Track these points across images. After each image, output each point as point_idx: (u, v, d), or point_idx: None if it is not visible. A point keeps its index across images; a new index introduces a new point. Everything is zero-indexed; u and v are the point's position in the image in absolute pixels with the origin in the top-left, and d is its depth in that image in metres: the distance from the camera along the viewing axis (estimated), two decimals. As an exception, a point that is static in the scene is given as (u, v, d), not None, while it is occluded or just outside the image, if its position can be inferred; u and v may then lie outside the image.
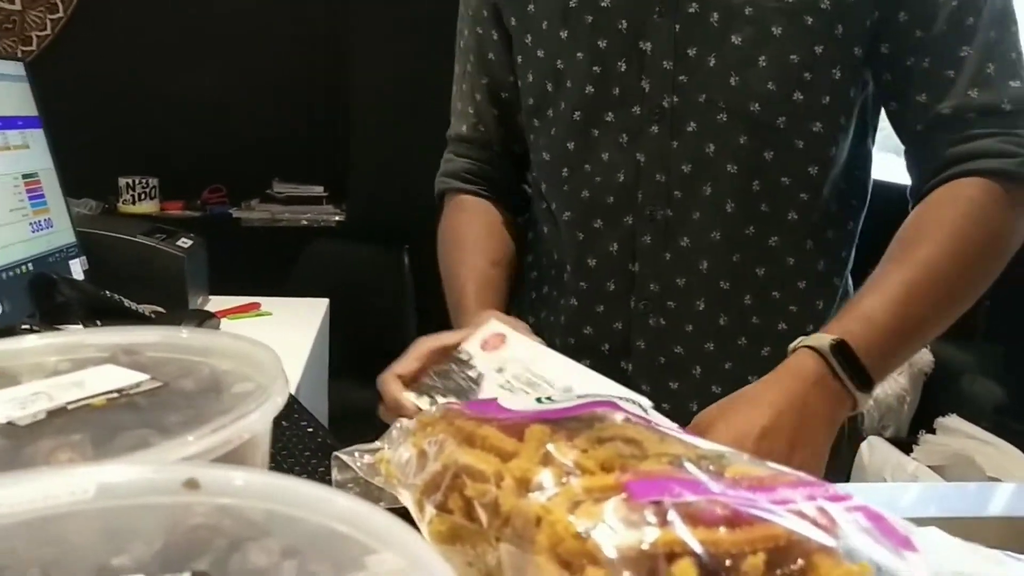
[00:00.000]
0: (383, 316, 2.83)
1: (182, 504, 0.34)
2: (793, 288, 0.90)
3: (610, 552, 0.34)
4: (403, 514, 0.39)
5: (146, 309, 1.30)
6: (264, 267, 2.37)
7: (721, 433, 0.69)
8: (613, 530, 0.35)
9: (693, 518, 0.36)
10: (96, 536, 0.33)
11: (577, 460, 0.41)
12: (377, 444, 0.53)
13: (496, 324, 0.76)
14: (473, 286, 0.92)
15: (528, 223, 1.05)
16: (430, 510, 0.44)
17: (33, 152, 1.36)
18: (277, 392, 0.47)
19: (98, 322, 1.21)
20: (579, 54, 0.88)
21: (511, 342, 0.73)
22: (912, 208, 0.84)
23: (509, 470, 0.41)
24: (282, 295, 1.72)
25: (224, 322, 1.48)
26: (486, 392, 0.69)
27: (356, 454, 0.53)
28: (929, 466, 2.08)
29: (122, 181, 3.11)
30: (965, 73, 0.80)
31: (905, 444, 2.22)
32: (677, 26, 0.83)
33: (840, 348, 0.73)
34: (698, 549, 0.35)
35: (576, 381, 0.67)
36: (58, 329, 1.13)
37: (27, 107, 1.37)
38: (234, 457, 0.42)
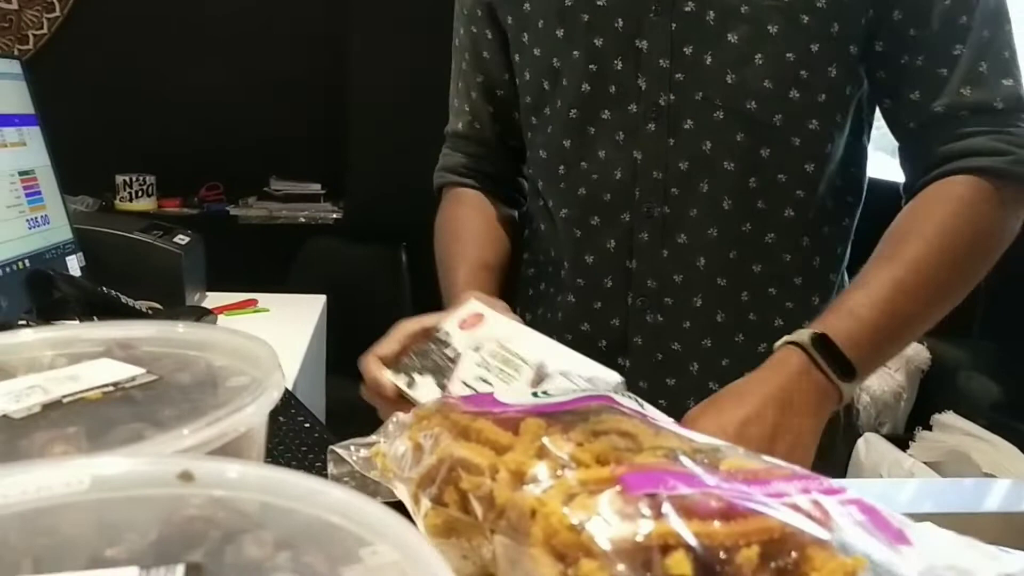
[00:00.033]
0: (380, 313, 2.80)
1: (176, 496, 0.34)
2: (790, 285, 0.90)
3: (604, 544, 0.35)
4: (399, 508, 0.39)
5: (143, 305, 1.30)
6: (261, 264, 2.36)
7: (705, 425, 0.70)
8: (607, 522, 0.35)
9: (688, 511, 0.36)
10: (90, 528, 0.33)
11: (572, 453, 0.41)
12: (373, 438, 0.53)
13: (475, 304, 0.77)
14: (465, 275, 0.92)
15: (525, 220, 1.05)
16: (425, 503, 0.45)
17: (30, 149, 1.36)
18: (273, 386, 0.47)
19: (95, 318, 1.21)
20: (575, 52, 0.88)
21: (489, 321, 0.74)
22: (904, 204, 0.84)
23: (504, 463, 0.41)
24: (279, 292, 1.72)
25: (221, 318, 1.48)
26: (462, 370, 0.70)
27: (352, 448, 0.53)
28: (925, 462, 2.08)
29: (119, 178, 3.11)
30: (958, 71, 0.81)
31: (902, 441, 2.22)
32: (673, 24, 0.83)
33: (822, 341, 0.74)
34: (692, 541, 0.35)
35: (549, 358, 0.68)
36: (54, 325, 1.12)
37: (24, 105, 1.37)
38: (230, 451, 0.42)
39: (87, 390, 0.47)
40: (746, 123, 0.84)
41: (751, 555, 0.35)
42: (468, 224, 1.00)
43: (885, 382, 2.31)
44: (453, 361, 0.72)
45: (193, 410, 0.45)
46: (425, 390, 0.71)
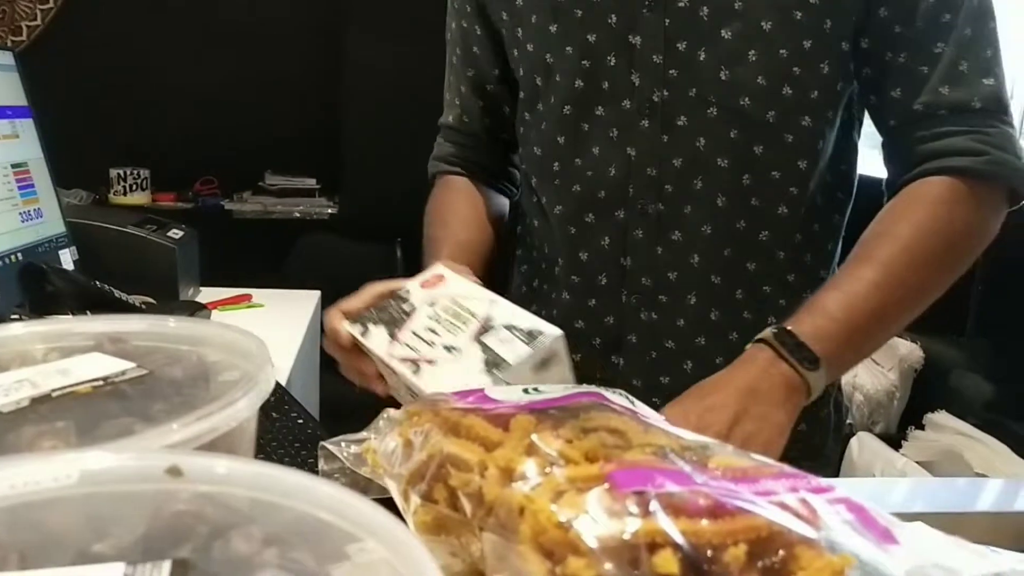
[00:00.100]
0: (376, 309, 2.82)
1: (165, 491, 0.34)
2: (783, 282, 0.90)
3: (591, 542, 0.35)
4: (390, 504, 0.39)
5: (136, 300, 1.30)
6: (256, 259, 2.36)
7: (670, 413, 0.72)
8: (595, 520, 0.35)
9: (675, 509, 0.36)
10: (78, 523, 0.33)
11: (561, 450, 0.41)
12: (364, 434, 0.53)
13: (439, 267, 0.80)
14: (447, 252, 0.92)
15: (518, 216, 1.06)
16: (415, 500, 0.44)
17: (23, 142, 1.35)
18: (263, 380, 0.47)
19: (88, 312, 1.21)
20: (568, 48, 0.88)
21: (448, 281, 0.77)
22: (886, 202, 0.85)
23: (493, 460, 0.41)
24: (274, 287, 1.72)
25: (215, 313, 1.47)
26: (414, 321, 0.73)
27: (343, 444, 0.53)
28: (918, 462, 2.09)
29: (113, 172, 3.10)
30: (938, 70, 0.81)
31: (894, 440, 2.23)
32: (667, 20, 0.83)
33: (787, 334, 0.76)
34: (680, 540, 0.35)
35: (496, 312, 0.71)
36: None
37: (17, 97, 1.36)
38: (220, 445, 0.42)
39: (77, 384, 0.47)
40: (739, 120, 0.84)
41: (738, 553, 0.35)
42: (454, 208, 1.02)
43: (878, 381, 2.32)
44: (407, 314, 0.75)
45: (183, 405, 0.45)
46: (377, 339, 0.74)
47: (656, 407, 0.54)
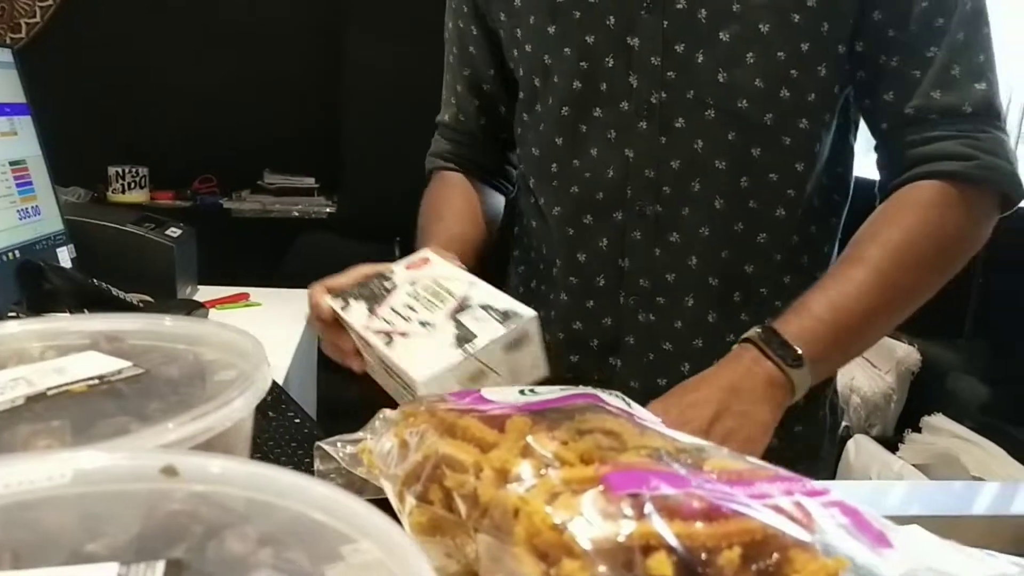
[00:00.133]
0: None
1: (159, 491, 0.34)
2: (780, 284, 0.91)
3: (586, 544, 0.35)
4: (385, 505, 0.39)
5: (134, 298, 1.30)
6: (254, 258, 2.35)
7: (654, 408, 0.72)
8: (589, 522, 0.35)
9: (670, 511, 0.36)
10: (72, 522, 0.33)
11: (557, 452, 0.41)
12: (360, 434, 0.53)
13: (426, 251, 0.81)
14: (440, 243, 0.92)
15: (515, 217, 1.06)
16: (411, 501, 0.44)
17: (21, 139, 1.35)
18: (260, 380, 0.47)
19: (85, 311, 1.21)
20: (567, 49, 0.88)
21: (433, 263, 0.79)
22: (878, 205, 0.85)
23: (488, 461, 0.41)
24: (272, 286, 1.72)
25: (213, 312, 1.47)
26: (393, 298, 0.75)
27: (339, 444, 0.53)
28: (914, 465, 2.09)
29: (112, 170, 3.09)
30: (930, 74, 0.81)
31: (891, 443, 2.23)
32: (665, 22, 0.83)
33: (772, 333, 0.77)
34: (674, 542, 0.35)
35: (474, 292, 0.73)
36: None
37: (15, 94, 1.36)
38: (216, 444, 0.42)
39: (72, 383, 0.47)
40: (737, 122, 0.84)
41: (733, 556, 0.35)
42: (449, 203, 1.02)
43: (875, 384, 2.32)
44: (388, 291, 0.76)
45: (179, 404, 0.45)
46: (356, 314, 0.75)
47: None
